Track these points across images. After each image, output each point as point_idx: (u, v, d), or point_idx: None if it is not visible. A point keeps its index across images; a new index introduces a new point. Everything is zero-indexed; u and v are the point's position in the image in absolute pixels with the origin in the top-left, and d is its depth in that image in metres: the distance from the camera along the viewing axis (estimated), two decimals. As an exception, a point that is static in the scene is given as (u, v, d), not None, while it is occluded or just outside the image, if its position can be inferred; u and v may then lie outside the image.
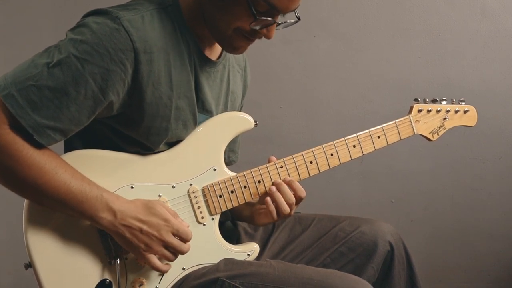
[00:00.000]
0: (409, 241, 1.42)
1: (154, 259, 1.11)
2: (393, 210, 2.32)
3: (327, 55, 2.28)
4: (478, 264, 2.32)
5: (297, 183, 1.26)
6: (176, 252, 1.13)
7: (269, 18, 1.09)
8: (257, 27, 1.10)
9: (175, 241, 1.11)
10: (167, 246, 1.11)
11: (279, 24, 1.13)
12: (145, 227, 1.08)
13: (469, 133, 2.23)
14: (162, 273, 1.16)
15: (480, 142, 2.25)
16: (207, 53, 1.23)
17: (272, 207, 1.23)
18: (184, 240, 1.13)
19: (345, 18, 2.26)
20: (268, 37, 1.13)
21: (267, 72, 2.29)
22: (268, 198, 1.23)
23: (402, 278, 1.36)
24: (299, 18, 1.16)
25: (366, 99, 2.28)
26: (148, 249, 1.10)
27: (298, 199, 1.26)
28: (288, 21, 1.14)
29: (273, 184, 1.25)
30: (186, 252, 1.14)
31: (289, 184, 1.25)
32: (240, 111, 1.45)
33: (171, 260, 1.14)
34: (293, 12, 1.14)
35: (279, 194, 1.23)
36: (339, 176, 2.31)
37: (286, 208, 1.23)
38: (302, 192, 1.25)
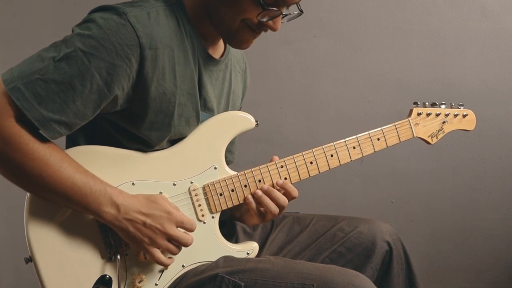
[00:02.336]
0: (409, 241, 1.42)
1: (158, 253, 1.12)
2: (393, 210, 2.32)
3: (327, 55, 2.28)
4: (478, 264, 2.32)
5: (290, 185, 1.26)
6: (180, 245, 1.14)
7: (275, 9, 1.11)
8: (264, 19, 1.12)
9: (179, 233, 1.12)
10: (170, 239, 1.12)
11: (284, 15, 1.15)
12: (148, 221, 1.09)
13: (469, 133, 2.21)
14: (165, 266, 1.17)
15: (480, 142, 2.25)
16: (211, 51, 1.24)
17: (255, 210, 1.24)
18: (189, 230, 1.14)
19: (345, 18, 2.26)
20: (274, 28, 1.15)
21: (267, 72, 2.29)
22: (252, 203, 1.24)
23: (400, 278, 1.36)
24: (302, 11, 1.18)
25: (366, 99, 2.28)
26: (152, 242, 1.10)
27: (291, 199, 1.26)
28: (292, 13, 1.16)
29: (261, 189, 1.24)
30: (190, 243, 1.14)
31: (283, 187, 1.25)
32: None
33: (175, 253, 1.14)
34: (296, 5, 1.16)
35: (267, 197, 1.24)
36: (340, 176, 2.31)
37: (275, 210, 1.24)
38: (295, 193, 1.26)
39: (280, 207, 1.25)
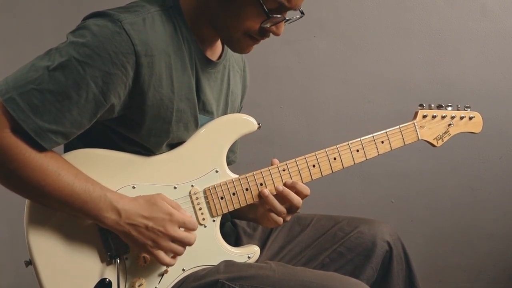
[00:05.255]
0: (409, 241, 1.41)
1: (162, 254, 1.12)
2: (393, 210, 2.32)
3: (327, 55, 2.28)
4: (478, 264, 2.32)
5: (300, 184, 1.26)
6: (183, 244, 1.14)
7: (279, 16, 1.11)
8: (268, 25, 1.12)
9: (181, 234, 1.12)
10: (174, 240, 1.12)
11: (287, 20, 1.14)
12: (150, 224, 1.09)
13: (469, 133, 2.23)
14: (165, 270, 1.17)
15: (480, 142, 2.25)
16: (208, 53, 1.23)
17: (277, 219, 1.24)
18: (191, 229, 1.14)
19: (345, 18, 2.26)
20: (277, 33, 1.15)
21: (267, 72, 2.29)
22: (273, 214, 1.24)
23: (400, 278, 1.36)
24: (303, 13, 1.18)
25: (366, 99, 2.28)
26: (156, 245, 1.10)
27: (304, 197, 1.26)
28: (294, 17, 1.16)
29: (277, 193, 1.24)
30: (194, 242, 1.14)
31: (293, 187, 1.25)
32: (239, 112, 1.45)
33: (180, 254, 1.14)
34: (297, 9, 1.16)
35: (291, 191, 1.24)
36: (339, 176, 2.30)
37: (299, 202, 1.24)
38: (307, 190, 1.26)
39: (295, 207, 1.25)
